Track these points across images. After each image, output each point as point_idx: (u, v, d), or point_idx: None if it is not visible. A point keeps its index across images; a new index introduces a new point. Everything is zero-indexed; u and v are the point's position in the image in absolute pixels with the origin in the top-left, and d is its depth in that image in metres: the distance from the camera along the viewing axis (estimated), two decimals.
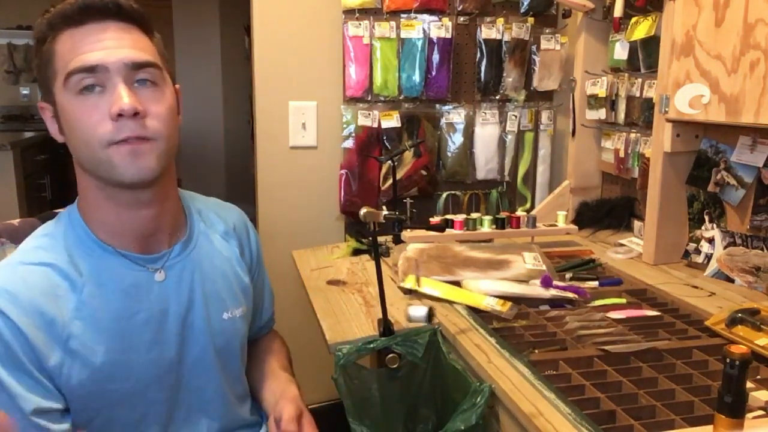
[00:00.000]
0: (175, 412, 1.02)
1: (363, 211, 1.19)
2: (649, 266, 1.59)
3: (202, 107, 4.86)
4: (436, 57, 1.97)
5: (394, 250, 1.69)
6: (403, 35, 1.94)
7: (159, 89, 0.92)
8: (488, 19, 2.00)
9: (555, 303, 1.36)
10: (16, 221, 1.15)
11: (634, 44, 1.74)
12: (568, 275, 1.52)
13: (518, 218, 1.74)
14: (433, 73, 1.98)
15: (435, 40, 1.96)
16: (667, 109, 1.46)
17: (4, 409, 0.86)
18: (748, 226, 1.46)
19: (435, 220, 1.73)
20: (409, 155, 2.00)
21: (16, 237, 1.10)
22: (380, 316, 1.22)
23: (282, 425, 1.00)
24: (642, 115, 1.73)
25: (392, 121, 1.98)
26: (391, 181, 1.88)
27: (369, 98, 1.98)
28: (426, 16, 1.96)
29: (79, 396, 0.92)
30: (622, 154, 1.82)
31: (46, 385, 0.89)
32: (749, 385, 0.93)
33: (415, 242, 1.63)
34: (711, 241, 1.54)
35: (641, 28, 1.67)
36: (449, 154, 2.06)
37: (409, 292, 1.42)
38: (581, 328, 1.21)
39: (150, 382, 0.97)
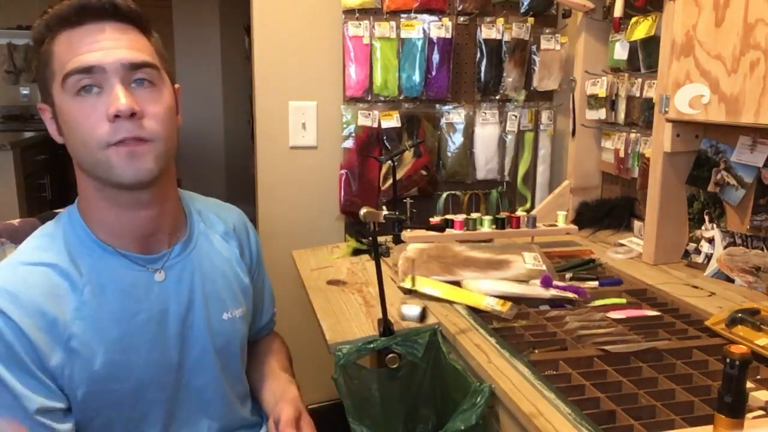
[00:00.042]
0: (176, 413, 1.02)
1: (363, 211, 1.19)
2: (649, 266, 1.59)
3: (202, 107, 4.86)
4: (436, 57, 1.97)
5: (394, 250, 1.69)
6: (403, 35, 1.94)
7: (157, 89, 0.92)
8: (488, 19, 2.00)
9: (555, 303, 1.36)
10: (16, 221, 1.15)
11: (634, 44, 1.74)
12: (568, 275, 1.52)
13: (518, 218, 1.74)
14: (433, 73, 1.98)
15: (435, 40, 1.96)
16: (667, 109, 1.46)
17: (8, 409, 0.86)
18: (748, 226, 1.46)
19: (435, 220, 1.73)
20: (409, 155, 2.00)
21: (16, 237, 1.10)
22: (380, 316, 1.22)
23: (280, 427, 1.00)
24: (642, 115, 1.73)
25: (392, 121, 1.98)
26: (391, 181, 1.88)
27: (369, 98, 1.98)
28: (426, 16, 1.96)
29: (81, 396, 0.92)
30: (622, 154, 1.82)
31: (48, 385, 0.89)
32: (749, 385, 0.93)
33: (415, 242, 1.63)
34: (711, 241, 1.54)
35: (641, 28, 1.67)
36: (449, 154, 2.06)
37: (409, 292, 1.42)
38: (581, 328, 1.21)
39: (150, 382, 0.97)
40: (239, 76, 4.77)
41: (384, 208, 1.88)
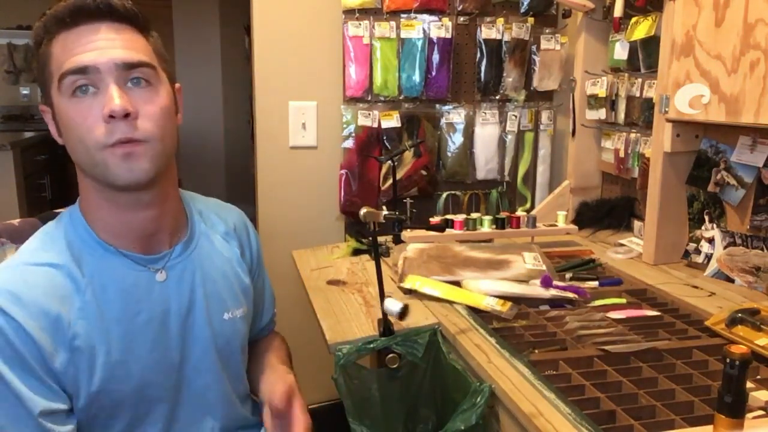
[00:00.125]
0: (177, 412, 1.02)
1: (363, 211, 1.19)
2: (649, 266, 1.59)
3: (202, 107, 4.86)
4: (436, 57, 1.97)
5: (394, 250, 1.69)
6: (403, 35, 1.94)
7: (153, 89, 0.92)
8: (488, 19, 2.00)
9: (555, 303, 1.36)
10: (16, 221, 1.16)
11: (634, 44, 1.74)
12: (568, 275, 1.52)
13: (518, 218, 1.74)
14: (433, 73, 1.98)
15: (435, 40, 1.96)
16: (667, 109, 1.46)
17: (12, 412, 0.86)
18: (748, 226, 1.46)
19: (435, 220, 1.73)
20: (409, 155, 2.00)
21: (16, 237, 1.10)
22: (380, 316, 1.22)
23: (272, 402, 1.00)
24: (642, 115, 1.73)
25: (392, 121, 1.98)
26: (391, 181, 1.88)
27: (369, 98, 1.98)
28: (426, 16, 1.96)
29: (83, 396, 0.92)
30: (622, 154, 1.82)
31: (52, 387, 0.90)
32: (749, 385, 0.93)
33: (415, 242, 1.63)
34: (711, 241, 1.54)
35: (641, 28, 1.67)
36: (449, 154, 2.06)
37: (409, 292, 1.42)
38: (581, 328, 1.21)
39: (152, 382, 0.98)
40: (239, 76, 4.77)
41: (384, 208, 1.88)
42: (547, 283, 1.38)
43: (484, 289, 1.37)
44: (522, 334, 1.22)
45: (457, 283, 1.42)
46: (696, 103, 1.39)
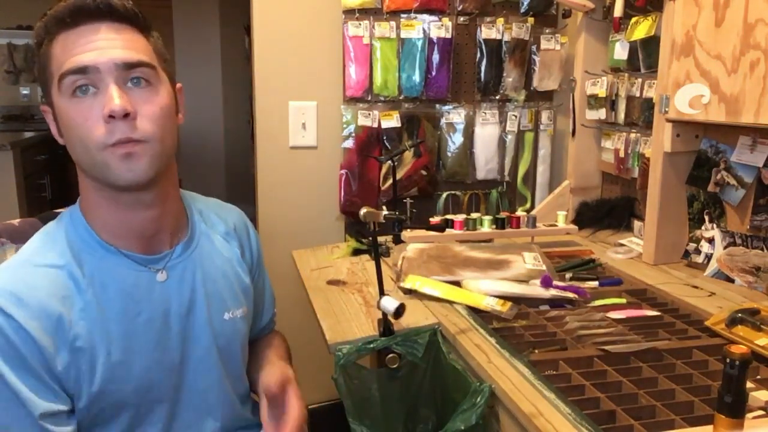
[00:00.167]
0: (178, 412, 1.02)
1: (363, 211, 1.19)
2: (649, 266, 1.59)
3: (202, 107, 4.86)
4: (436, 57, 1.97)
5: (394, 250, 1.69)
6: (403, 35, 1.94)
7: (153, 89, 0.92)
8: (488, 19, 2.00)
9: (555, 303, 1.36)
10: (16, 221, 1.15)
11: (634, 44, 1.74)
12: (568, 275, 1.52)
13: (518, 218, 1.74)
14: (433, 73, 1.98)
15: (435, 40, 1.96)
16: (667, 109, 1.46)
17: (13, 413, 0.86)
18: (748, 226, 1.46)
19: (435, 220, 1.73)
20: (409, 155, 2.00)
21: (16, 237, 1.10)
22: (380, 316, 1.22)
23: (267, 387, 1.00)
24: (642, 115, 1.73)
25: (392, 121, 1.98)
26: (391, 181, 1.88)
27: (369, 98, 1.98)
28: (426, 16, 1.96)
29: (84, 396, 0.92)
30: (622, 154, 1.82)
31: (53, 388, 0.90)
32: (749, 385, 0.93)
33: (415, 242, 1.63)
34: (711, 241, 1.54)
35: (641, 28, 1.67)
36: (449, 154, 2.06)
37: (409, 292, 1.42)
38: (581, 328, 1.21)
39: (153, 382, 0.98)
40: (239, 76, 4.77)
41: (384, 208, 1.88)
42: (547, 283, 1.38)
43: (484, 289, 1.37)
44: (522, 334, 1.22)
45: (457, 283, 1.42)
46: (696, 103, 1.39)
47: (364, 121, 1.97)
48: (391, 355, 1.22)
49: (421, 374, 1.25)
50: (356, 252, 1.78)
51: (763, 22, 1.23)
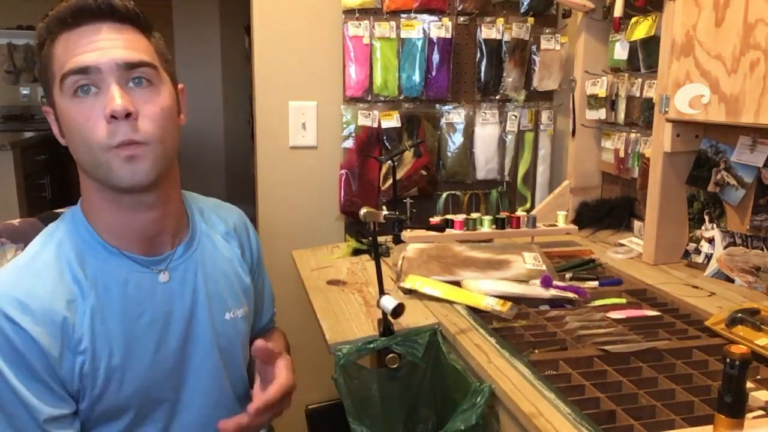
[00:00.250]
0: (179, 412, 1.02)
1: (363, 211, 1.19)
2: (649, 266, 1.59)
3: (202, 107, 4.85)
4: (436, 57, 1.97)
5: (394, 250, 1.69)
6: (403, 35, 1.94)
7: (155, 89, 0.92)
8: (488, 19, 2.00)
9: (555, 303, 1.36)
10: (16, 221, 1.15)
11: (634, 44, 1.74)
12: (568, 275, 1.52)
13: (518, 218, 1.74)
14: (433, 73, 1.98)
15: (435, 40, 1.96)
16: (667, 109, 1.46)
17: (18, 418, 0.87)
18: (748, 226, 1.46)
19: (435, 220, 1.73)
20: (409, 155, 2.00)
21: (16, 237, 1.10)
22: (380, 316, 1.22)
23: (255, 345, 0.97)
24: (642, 115, 1.73)
25: (392, 121, 1.98)
26: (391, 181, 1.88)
27: (369, 98, 1.98)
28: (426, 16, 1.96)
29: (87, 398, 0.93)
30: (622, 154, 1.82)
31: (58, 392, 0.90)
32: (749, 385, 0.93)
33: (415, 242, 1.63)
34: (711, 241, 1.54)
35: (641, 28, 1.67)
36: (449, 154, 2.06)
37: (409, 292, 1.42)
38: (581, 328, 1.21)
39: (155, 382, 0.98)
40: (239, 76, 4.77)
41: (384, 208, 1.88)
42: (547, 283, 1.38)
43: (484, 289, 1.37)
44: (522, 334, 1.22)
45: (457, 283, 1.42)
46: (696, 103, 1.39)
47: (364, 121, 1.97)
48: (391, 355, 1.22)
49: (421, 374, 1.25)
50: (356, 252, 1.78)
51: (763, 22, 1.23)
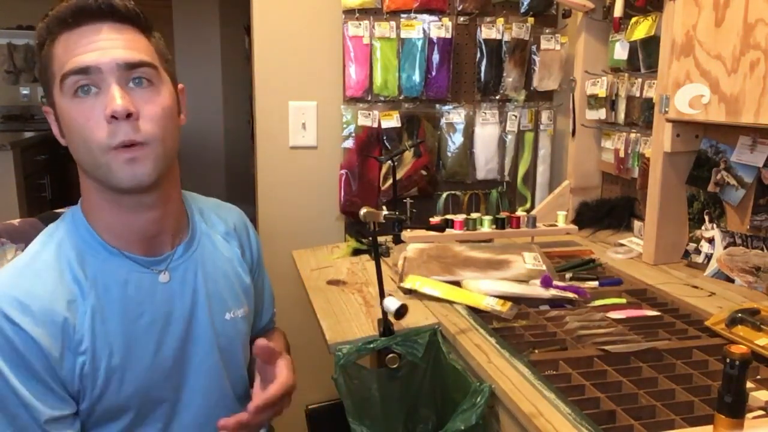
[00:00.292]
0: (179, 412, 1.02)
1: (363, 211, 1.19)
2: (649, 266, 1.59)
3: (202, 107, 4.86)
4: (436, 57, 1.97)
5: (394, 250, 1.69)
6: (403, 35, 1.94)
7: (155, 89, 0.92)
8: (488, 19, 2.00)
9: (555, 303, 1.36)
10: (16, 221, 1.15)
11: (634, 44, 1.74)
12: (568, 275, 1.52)
13: (518, 218, 1.74)
14: (433, 73, 1.98)
15: (435, 40, 1.96)
16: (667, 109, 1.46)
17: (19, 418, 0.87)
18: (748, 226, 1.46)
19: (435, 220, 1.73)
20: (409, 155, 2.00)
21: (16, 237, 1.10)
22: (380, 316, 1.22)
23: (257, 343, 0.98)
24: (642, 115, 1.73)
25: (392, 121, 1.98)
26: (391, 181, 1.88)
27: (369, 98, 1.98)
28: (426, 16, 1.96)
29: (88, 398, 0.93)
30: (622, 154, 1.82)
31: (59, 393, 0.90)
32: (749, 385, 0.93)
33: (415, 242, 1.63)
34: (711, 241, 1.54)
35: (641, 28, 1.67)
36: (449, 154, 2.06)
37: (409, 292, 1.42)
38: (581, 328, 1.21)
39: (155, 382, 0.98)
40: (239, 76, 4.77)
41: (384, 208, 1.88)
42: (547, 283, 1.38)
43: (484, 289, 1.37)
44: (522, 334, 1.22)
45: (457, 283, 1.42)
46: (696, 103, 1.39)
47: (364, 121, 1.97)
48: (391, 355, 1.22)
49: (421, 374, 1.25)
50: (356, 252, 1.78)
51: (763, 22, 1.23)
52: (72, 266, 0.93)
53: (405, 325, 1.26)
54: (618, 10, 1.70)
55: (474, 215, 1.73)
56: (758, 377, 1.02)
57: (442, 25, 1.95)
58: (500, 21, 1.99)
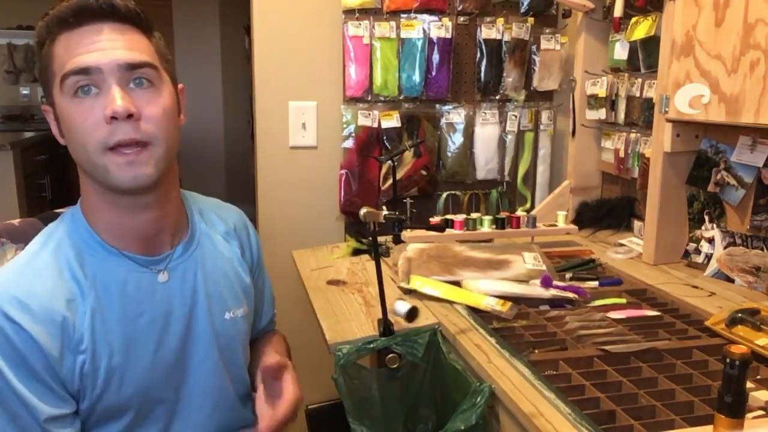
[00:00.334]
0: (178, 411, 1.02)
1: (363, 211, 1.19)
2: (649, 266, 1.59)
3: (202, 107, 4.86)
4: (436, 57, 1.97)
5: (394, 250, 1.69)
6: (403, 35, 1.94)
7: (156, 90, 0.92)
8: (488, 19, 2.00)
9: (555, 303, 1.36)
10: (16, 221, 1.15)
11: (634, 44, 1.74)
12: (568, 275, 1.52)
13: (518, 218, 1.74)
14: (433, 73, 1.98)
15: (435, 40, 1.96)
16: (667, 109, 1.46)
17: (19, 418, 0.87)
18: (748, 226, 1.46)
19: (435, 220, 1.73)
20: (409, 155, 2.00)
21: (16, 237, 1.10)
22: (380, 316, 1.22)
23: (264, 363, 1.01)
24: (642, 115, 1.73)
25: (392, 121, 1.98)
26: (391, 181, 1.88)
27: (369, 98, 1.98)
28: (426, 16, 1.96)
29: (88, 398, 0.93)
30: (622, 154, 1.82)
31: (58, 392, 0.90)
32: (749, 385, 0.93)
33: (415, 242, 1.63)
34: (711, 241, 1.54)
35: (641, 28, 1.67)
36: (449, 154, 2.06)
37: (409, 292, 1.42)
38: (581, 328, 1.21)
39: (155, 383, 0.98)
40: (239, 76, 4.77)
41: (384, 208, 1.88)
42: (547, 283, 1.38)
43: (484, 289, 1.37)
44: (522, 334, 1.22)
45: (457, 283, 1.42)
46: (696, 103, 1.39)
47: (364, 121, 1.97)
48: (391, 355, 1.22)
49: (421, 374, 1.25)
50: (356, 252, 1.78)
51: (763, 22, 1.23)
52: (71, 265, 0.93)
53: (405, 325, 1.26)
54: (618, 10, 1.70)
55: (474, 215, 1.73)
56: (758, 377, 1.02)
57: (442, 25, 1.95)
58: (500, 21, 1.99)
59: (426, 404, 1.27)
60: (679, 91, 1.42)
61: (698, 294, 1.39)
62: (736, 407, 0.76)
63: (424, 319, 1.29)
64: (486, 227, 1.72)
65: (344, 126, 1.99)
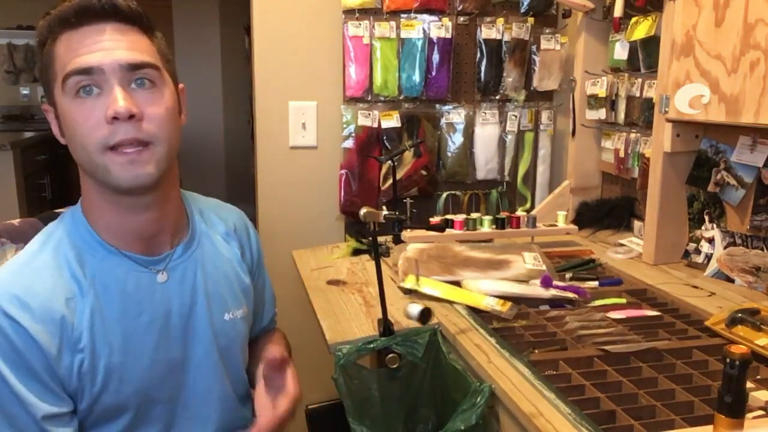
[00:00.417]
0: (178, 412, 1.02)
1: (363, 211, 1.19)
2: (649, 266, 1.59)
3: (202, 107, 4.86)
4: (436, 57, 1.97)
5: (394, 250, 1.69)
6: (403, 35, 1.94)
7: (157, 90, 0.92)
8: (488, 19, 2.00)
9: (555, 303, 1.36)
10: (16, 221, 1.15)
11: (634, 44, 1.74)
12: (568, 275, 1.52)
13: (518, 218, 1.74)
14: (433, 73, 1.98)
15: (435, 40, 1.96)
16: (667, 109, 1.46)
17: (17, 417, 0.87)
18: (748, 226, 1.46)
19: (435, 220, 1.73)
20: (409, 155, 2.00)
21: (16, 237, 1.10)
22: (380, 316, 1.22)
23: (267, 356, 1.02)
24: (642, 115, 1.73)
25: (392, 121, 1.98)
26: (391, 181, 1.88)
27: (369, 98, 1.98)
28: (426, 16, 1.96)
29: (86, 397, 0.93)
30: (622, 154, 1.82)
31: (56, 391, 0.90)
32: (749, 385, 0.93)
33: (415, 242, 1.63)
34: (711, 241, 1.54)
35: (641, 28, 1.67)
36: (449, 154, 2.06)
37: (409, 292, 1.42)
38: (581, 328, 1.21)
39: (154, 382, 0.98)
40: (239, 76, 4.77)
41: (384, 208, 1.88)
42: (547, 283, 1.38)
43: (484, 289, 1.37)
44: (522, 334, 1.22)
45: (457, 283, 1.42)
46: (696, 103, 1.39)
47: (364, 121, 1.97)
48: (391, 355, 1.22)
49: (421, 374, 1.25)
50: (356, 252, 1.78)
51: (763, 22, 1.23)
52: (71, 264, 0.93)
53: (405, 325, 1.26)
54: (618, 10, 1.70)
55: (474, 215, 1.73)
56: (758, 377, 1.02)
57: (442, 25, 1.95)
58: (500, 21, 1.99)
59: (426, 404, 1.27)
60: (679, 91, 1.42)
61: (698, 294, 1.39)
62: (736, 407, 0.76)
63: None
64: (486, 227, 1.72)
65: (344, 126, 1.99)
